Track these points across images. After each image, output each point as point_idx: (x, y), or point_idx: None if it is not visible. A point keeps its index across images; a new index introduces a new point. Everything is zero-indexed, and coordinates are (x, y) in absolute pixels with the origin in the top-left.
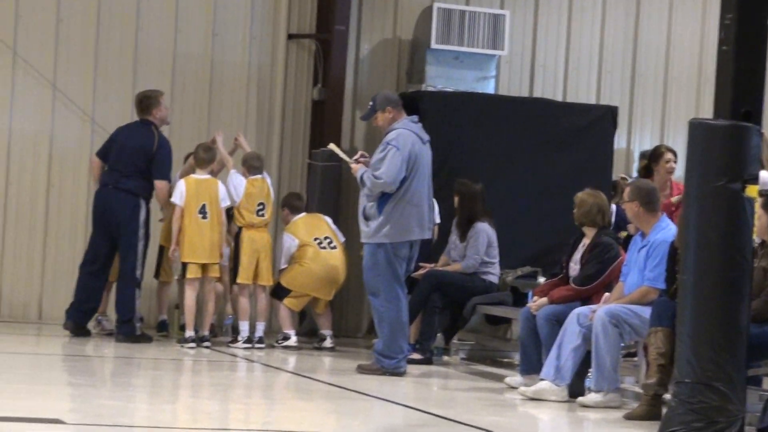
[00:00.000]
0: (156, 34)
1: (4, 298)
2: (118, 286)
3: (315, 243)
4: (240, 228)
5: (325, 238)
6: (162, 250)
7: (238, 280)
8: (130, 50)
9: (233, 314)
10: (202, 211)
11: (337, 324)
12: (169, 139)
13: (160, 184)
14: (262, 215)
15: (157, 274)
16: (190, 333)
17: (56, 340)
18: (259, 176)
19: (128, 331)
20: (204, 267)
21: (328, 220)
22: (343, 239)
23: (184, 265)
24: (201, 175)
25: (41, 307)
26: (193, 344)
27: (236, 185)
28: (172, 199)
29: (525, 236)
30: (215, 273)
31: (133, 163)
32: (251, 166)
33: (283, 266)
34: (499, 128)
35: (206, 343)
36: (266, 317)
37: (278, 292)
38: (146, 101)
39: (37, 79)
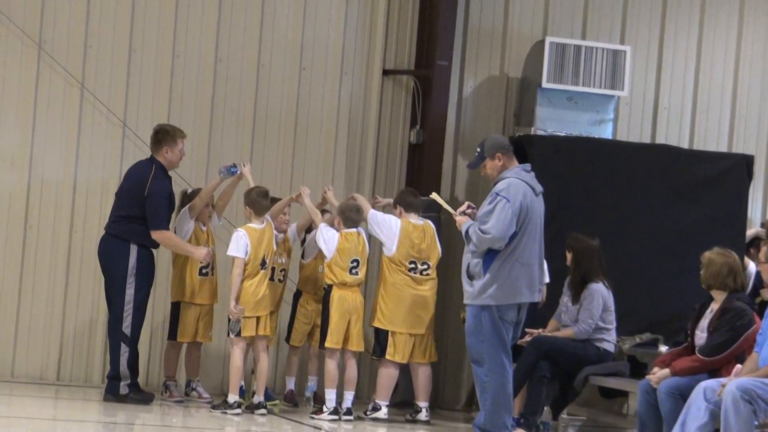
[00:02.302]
0: (236, 67)
1: (19, 358)
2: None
3: (410, 266)
4: (330, 286)
5: (424, 263)
6: (177, 308)
7: (327, 344)
8: (207, 85)
9: (312, 381)
10: (263, 263)
11: (433, 394)
12: (250, 183)
13: (156, 235)
14: (356, 273)
15: (173, 335)
16: (234, 398)
17: (75, 404)
18: (354, 230)
19: (111, 389)
20: (257, 324)
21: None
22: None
23: (238, 322)
24: (259, 224)
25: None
26: (238, 410)
27: (327, 239)
28: (232, 252)
29: (645, 299)
30: (268, 330)
31: (125, 205)
32: (348, 218)
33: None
34: (618, 177)
35: (261, 411)
36: (355, 386)
37: (377, 345)
38: (160, 135)
39: (106, 116)
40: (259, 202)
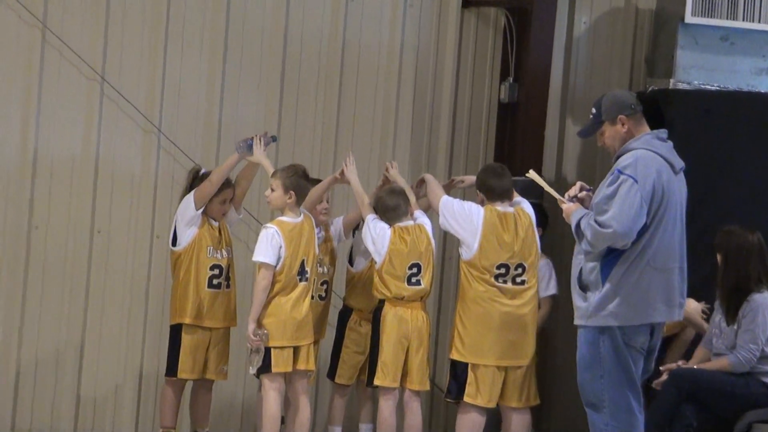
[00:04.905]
0: (257, 2)
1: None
2: None
3: (497, 272)
4: (381, 302)
5: (518, 266)
6: (178, 332)
7: (377, 381)
8: (218, 15)
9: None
10: (302, 272)
11: None
12: (277, 153)
13: None
14: (417, 283)
15: (172, 370)
16: None
17: None
18: (410, 222)
19: None
20: (294, 356)
21: (531, 214)
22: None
23: (268, 353)
24: (295, 218)
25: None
26: None
27: (376, 237)
28: (259, 257)
29: None
30: (311, 364)
31: None
32: (387, 208)
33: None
34: None
35: None
36: None
37: (453, 383)
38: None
39: (77, 66)
40: (305, 185)
